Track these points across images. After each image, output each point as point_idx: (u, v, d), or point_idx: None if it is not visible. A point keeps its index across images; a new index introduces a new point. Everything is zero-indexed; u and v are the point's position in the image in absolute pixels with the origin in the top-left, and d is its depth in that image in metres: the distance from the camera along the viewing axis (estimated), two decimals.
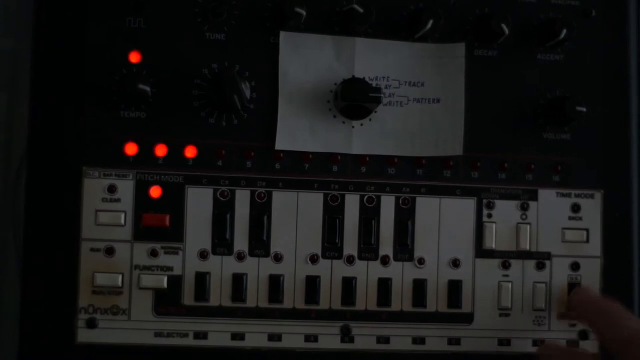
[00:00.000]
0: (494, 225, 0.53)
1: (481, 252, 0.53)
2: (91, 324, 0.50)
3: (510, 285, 0.53)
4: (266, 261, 0.51)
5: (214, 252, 0.51)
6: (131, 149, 0.51)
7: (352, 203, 0.52)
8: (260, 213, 0.51)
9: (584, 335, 0.53)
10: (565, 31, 0.52)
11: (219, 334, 0.51)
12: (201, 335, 0.51)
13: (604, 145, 0.54)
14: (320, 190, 0.52)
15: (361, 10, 0.52)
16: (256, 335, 0.51)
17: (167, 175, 0.51)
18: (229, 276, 0.51)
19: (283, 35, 0.52)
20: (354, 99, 0.51)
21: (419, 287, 0.52)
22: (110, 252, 0.51)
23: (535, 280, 0.53)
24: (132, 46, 0.51)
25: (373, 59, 0.52)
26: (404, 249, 0.52)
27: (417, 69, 0.53)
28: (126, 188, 0.51)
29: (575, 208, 0.53)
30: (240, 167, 0.52)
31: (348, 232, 0.52)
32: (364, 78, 0.52)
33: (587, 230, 0.53)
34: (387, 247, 0.52)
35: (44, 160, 0.50)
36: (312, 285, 0.52)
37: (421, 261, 0.52)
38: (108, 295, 0.50)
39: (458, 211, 0.53)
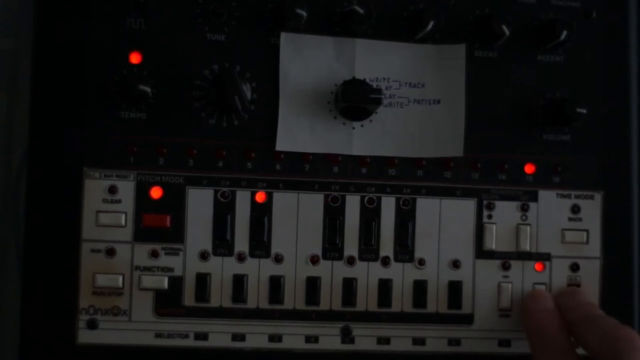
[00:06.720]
0: (494, 226, 0.53)
1: (481, 252, 0.53)
2: (91, 325, 0.50)
3: (510, 285, 0.53)
4: (266, 262, 0.51)
5: (215, 253, 0.51)
6: (131, 149, 0.51)
7: (353, 204, 0.52)
8: (261, 214, 0.52)
9: None
10: (565, 32, 0.52)
11: (220, 334, 0.51)
12: (201, 336, 0.51)
13: (604, 145, 0.54)
14: (321, 191, 0.52)
15: (361, 11, 0.51)
16: (256, 336, 0.51)
17: (168, 176, 0.51)
18: (229, 277, 0.51)
19: (283, 36, 0.52)
20: (354, 100, 0.51)
21: (419, 287, 0.52)
22: (110, 252, 0.51)
23: (534, 281, 0.53)
24: (133, 46, 0.51)
25: (373, 59, 0.52)
26: (404, 249, 0.52)
27: (417, 70, 0.53)
28: (127, 189, 0.51)
29: (575, 209, 0.54)
30: (241, 167, 0.52)
31: (348, 232, 0.52)
32: (364, 79, 0.52)
33: (587, 231, 0.54)
34: (387, 248, 0.52)
35: (44, 161, 0.50)
36: (313, 285, 0.52)
37: (421, 262, 0.52)
38: (108, 296, 0.50)
39: (458, 212, 0.53)
